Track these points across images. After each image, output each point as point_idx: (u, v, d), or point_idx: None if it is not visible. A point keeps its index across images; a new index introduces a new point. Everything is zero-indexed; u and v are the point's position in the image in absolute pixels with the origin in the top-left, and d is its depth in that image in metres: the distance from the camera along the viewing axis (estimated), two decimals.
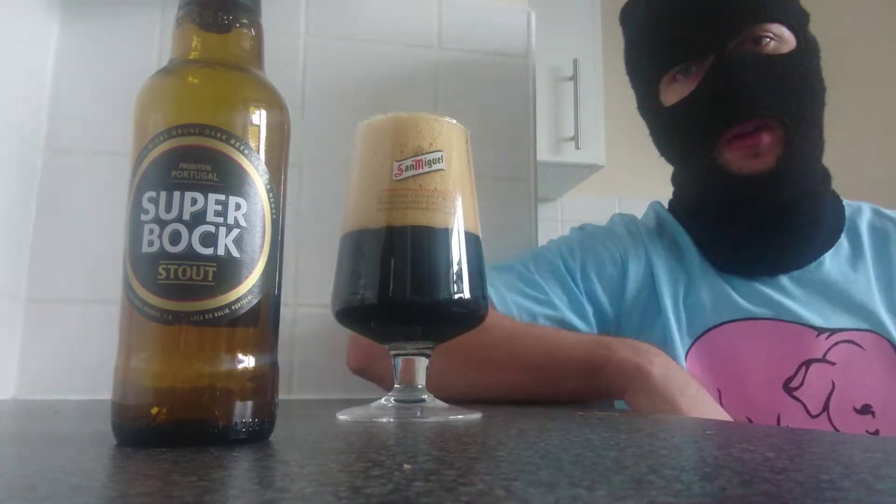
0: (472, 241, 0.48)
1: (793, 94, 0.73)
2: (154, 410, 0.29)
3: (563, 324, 0.76)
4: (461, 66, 0.96)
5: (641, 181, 1.40)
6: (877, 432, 0.72)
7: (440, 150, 0.47)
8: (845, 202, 0.86)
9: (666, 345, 0.75)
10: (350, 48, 0.93)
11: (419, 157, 0.46)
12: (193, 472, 0.22)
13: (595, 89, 1.79)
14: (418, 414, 0.44)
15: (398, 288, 0.45)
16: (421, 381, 0.47)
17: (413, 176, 0.46)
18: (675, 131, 0.80)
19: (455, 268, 0.46)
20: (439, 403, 0.46)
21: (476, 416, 0.44)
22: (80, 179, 0.82)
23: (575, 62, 1.76)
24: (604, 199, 1.94)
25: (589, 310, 0.79)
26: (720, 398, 0.73)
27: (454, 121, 0.49)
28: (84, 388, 0.72)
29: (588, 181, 1.87)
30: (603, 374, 0.62)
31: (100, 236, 0.78)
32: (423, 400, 0.46)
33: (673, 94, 0.78)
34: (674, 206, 0.88)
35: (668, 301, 0.78)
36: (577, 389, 0.64)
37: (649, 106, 0.83)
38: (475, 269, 0.47)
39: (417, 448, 0.29)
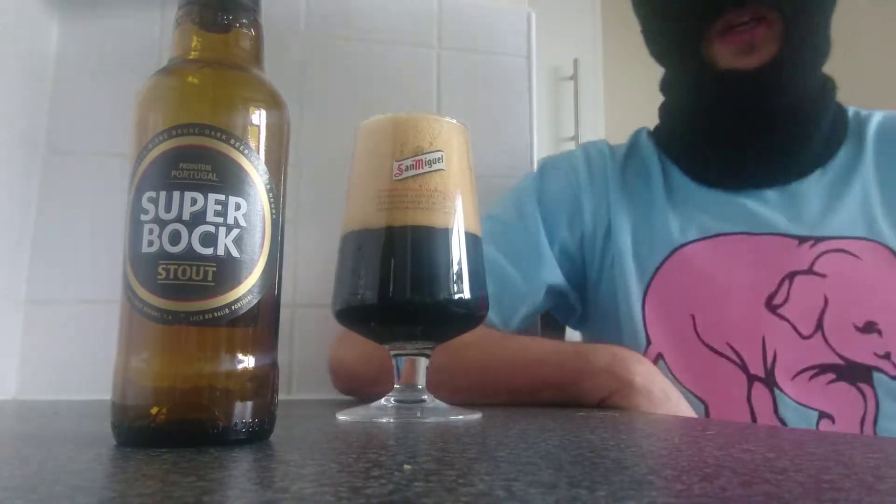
0: (473, 241, 0.47)
1: None
2: (154, 410, 0.29)
3: (534, 295, 0.73)
4: (461, 66, 0.96)
5: None
6: (887, 355, 0.63)
7: (440, 150, 0.47)
8: (853, 111, 0.77)
9: (625, 273, 0.71)
10: (350, 48, 0.93)
11: (419, 157, 0.46)
12: (193, 472, 0.22)
13: (595, 89, 1.80)
14: (418, 414, 0.44)
15: (398, 288, 0.45)
16: (421, 381, 0.47)
17: (413, 176, 0.46)
18: (658, 18, 0.72)
19: (455, 268, 0.46)
20: (439, 403, 0.46)
21: (476, 416, 0.44)
22: (80, 179, 0.82)
23: (575, 62, 1.77)
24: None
25: (554, 265, 0.74)
26: (695, 325, 0.67)
27: (454, 120, 0.49)
28: (84, 388, 0.72)
29: None
30: (581, 386, 0.59)
31: (100, 236, 0.78)
32: (423, 400, 0.46)
33: None
34: (658, 126, 0.82)
35: (626, 227, 0.73)
36: (554, 400, 0.61)
37: None
38: (475, 269, 0.47)
39: (417, 448, 0.29)
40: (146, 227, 0.30)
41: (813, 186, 0.70)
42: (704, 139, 0.75)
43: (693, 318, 0.68)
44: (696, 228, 0.71)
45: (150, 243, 0.30)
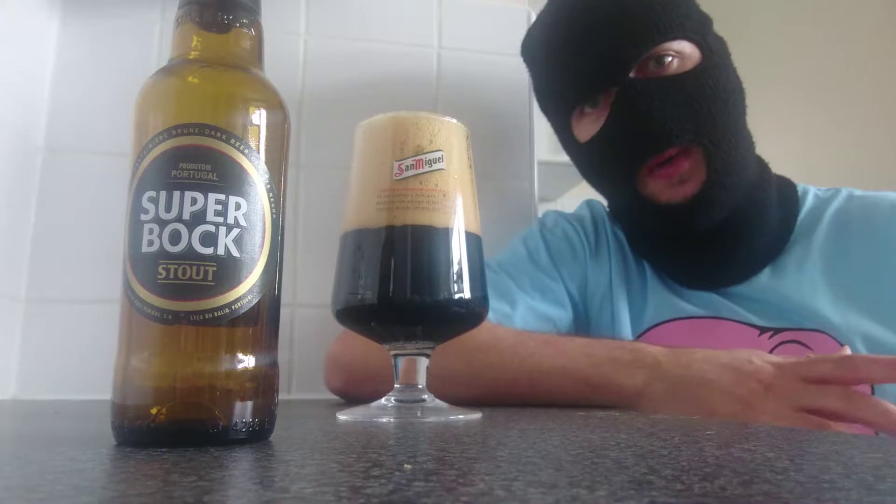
0: (473, 241, 0.47)
1: (705, 112, 0.70)
2: (154, 410, 0.29)
3: (541, 316, 0.76)
4: (461, 66, 0.96)
5: None
6: None
7: (440, 150, 0.46)
8: (812, 193, 0.81)
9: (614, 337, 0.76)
10: (350, 48, 0.93)
11: (419, 157, 0.46)
12: (193, 472, 0.22)
13: None
14: (418, 414, 0.44)
15: (398, 288, 0.45)
16: (421, 381, 0.47)
17: (413, 175, 0.46)
18: (594, 167, 0.79)
19: (455, 267, 0.46)
20: (439, 403, 0.46)
21: (476, 416, 0.44)
22: (80, 179, 0.82)
23: None
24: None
25: (564, 296, 0.80)
26: None
27: (454, 120, 0.49)
28: (84, 388, 0.72)
29: None
30: (605, 397, 0.59)
31: (100, 236, 0.78)
32: (424, 400, 0.46)
33: (584, 130, 0.76)
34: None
35: (622, 298, 0.79)
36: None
37: (566, 142, 0.81)
38: (476, 268, 0.47)
39: (417, 448, 0.29)
40: (146, 227, 0.30)
41: (764, 283, 0.76)
42: (654, 251, 0.82)
43: None
44: (669, 310, 0.78)
45: (150, 243, 0.30)
